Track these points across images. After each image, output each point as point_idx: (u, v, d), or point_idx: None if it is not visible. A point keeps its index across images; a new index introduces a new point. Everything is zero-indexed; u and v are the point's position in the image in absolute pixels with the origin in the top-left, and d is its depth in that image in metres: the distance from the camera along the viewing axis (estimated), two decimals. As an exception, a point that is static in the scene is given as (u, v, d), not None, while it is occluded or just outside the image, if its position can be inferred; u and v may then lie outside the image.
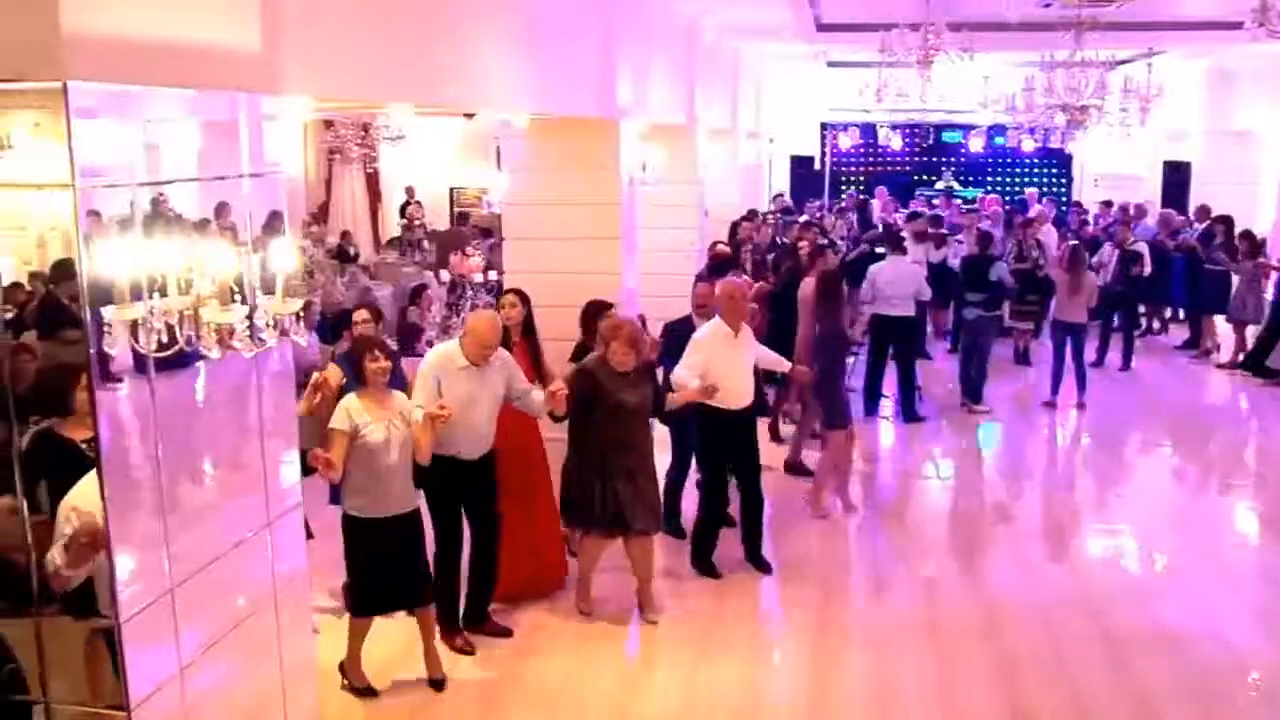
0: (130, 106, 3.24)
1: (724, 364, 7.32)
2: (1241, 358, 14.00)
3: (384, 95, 5.44)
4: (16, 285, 4.41)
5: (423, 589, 6.00)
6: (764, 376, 8.71)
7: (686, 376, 7.19)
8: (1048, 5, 11.43)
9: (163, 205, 3.47)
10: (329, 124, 16.12)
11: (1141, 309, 15.69)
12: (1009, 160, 23.45)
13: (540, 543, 7.20)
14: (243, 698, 4.01)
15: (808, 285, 9.62)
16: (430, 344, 8.62)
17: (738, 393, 7.42)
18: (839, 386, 8.76)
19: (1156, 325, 16.42)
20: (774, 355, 8.14)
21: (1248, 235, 14.20)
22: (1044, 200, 18.65)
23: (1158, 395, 13.19)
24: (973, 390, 12.15)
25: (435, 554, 6.38)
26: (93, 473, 3.29)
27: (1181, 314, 16.17)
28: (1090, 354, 12.96)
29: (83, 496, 3.39)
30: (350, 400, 5.62)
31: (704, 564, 7.66)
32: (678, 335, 7.97)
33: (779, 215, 17.37)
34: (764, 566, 7.75)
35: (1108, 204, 18.37)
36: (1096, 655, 6.58)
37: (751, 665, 6.51)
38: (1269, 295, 13.82)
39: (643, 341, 6.81)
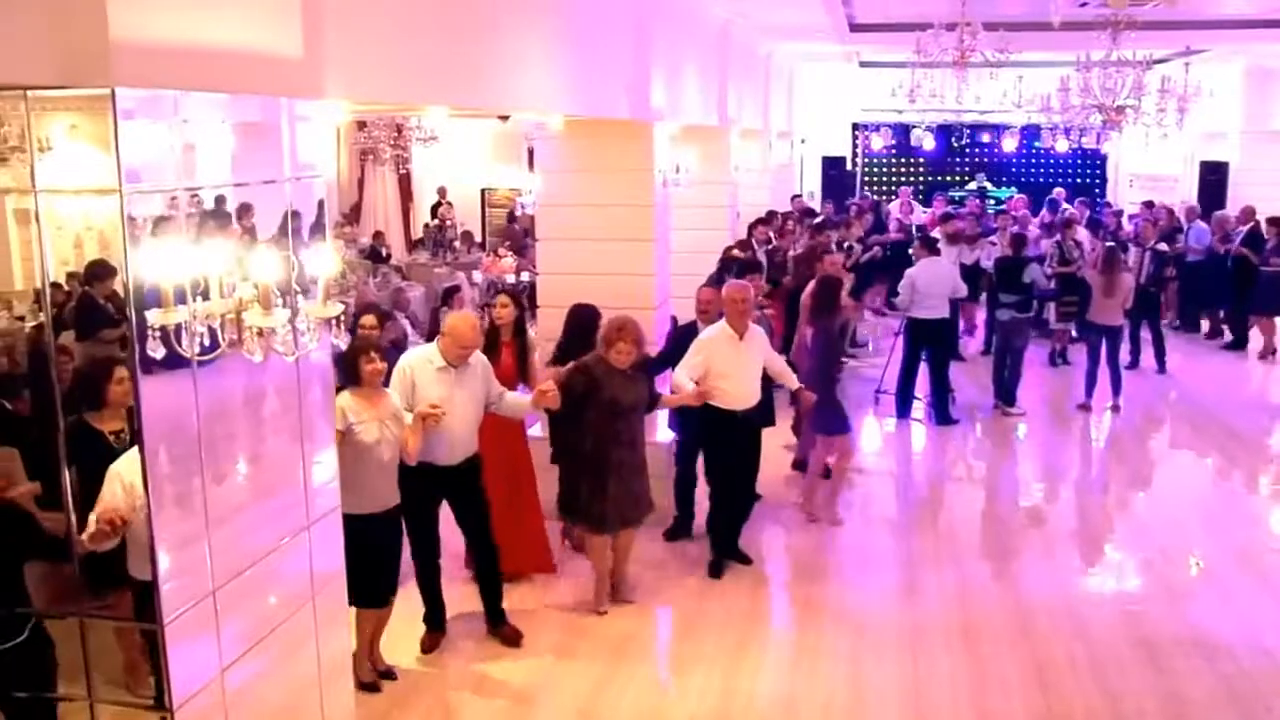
0: (174, 111, 3.27)
1: (727, 366, 7.35)
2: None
3: (422, 98, 5.46)
4: (55, 285, 4.47)
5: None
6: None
7: (684, 378, 7.28)
8: (1084, 4, 11.36)
9: (205, 208, 3.50)
10: (361, 125, 16.21)
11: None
12: (1043, 161, 23.29)
13: (523, 539, 7.33)
14: (280, 696, 4.04)
15: (809, 289, 9.55)
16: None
17: (742, 395, 7.44)
18: (834, 393, 8.58)
19: (1207, 327, 16.25)
20: (784, 367, 8.09)
21: None
22: (1076, 202, 18.46)
23: (1193, 396, 13.06)
24: (1006, 392, 12.09)
25: (413, 560, 6.49)
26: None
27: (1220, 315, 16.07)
28: (1124, 356, 12.86)
29: (129, 467, 3.46)
30: (344, 398, 5.64)
31: (717, 561, 7.71)
32: (683, 337, 7.97)
33: (800, 216, 17.14)
34: (742, 557, 7.81)
35: (1148, 204, 18.11)
36: (1132, 660, 6.53)
37: (785, 668, 6.50)
38: None
39: (644, 339, 6.93)
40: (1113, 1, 7.10)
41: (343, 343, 3.72)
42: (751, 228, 13.13)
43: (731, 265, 10.04)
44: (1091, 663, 6.51)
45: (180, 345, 3.23)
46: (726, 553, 7.74)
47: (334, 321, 3.51)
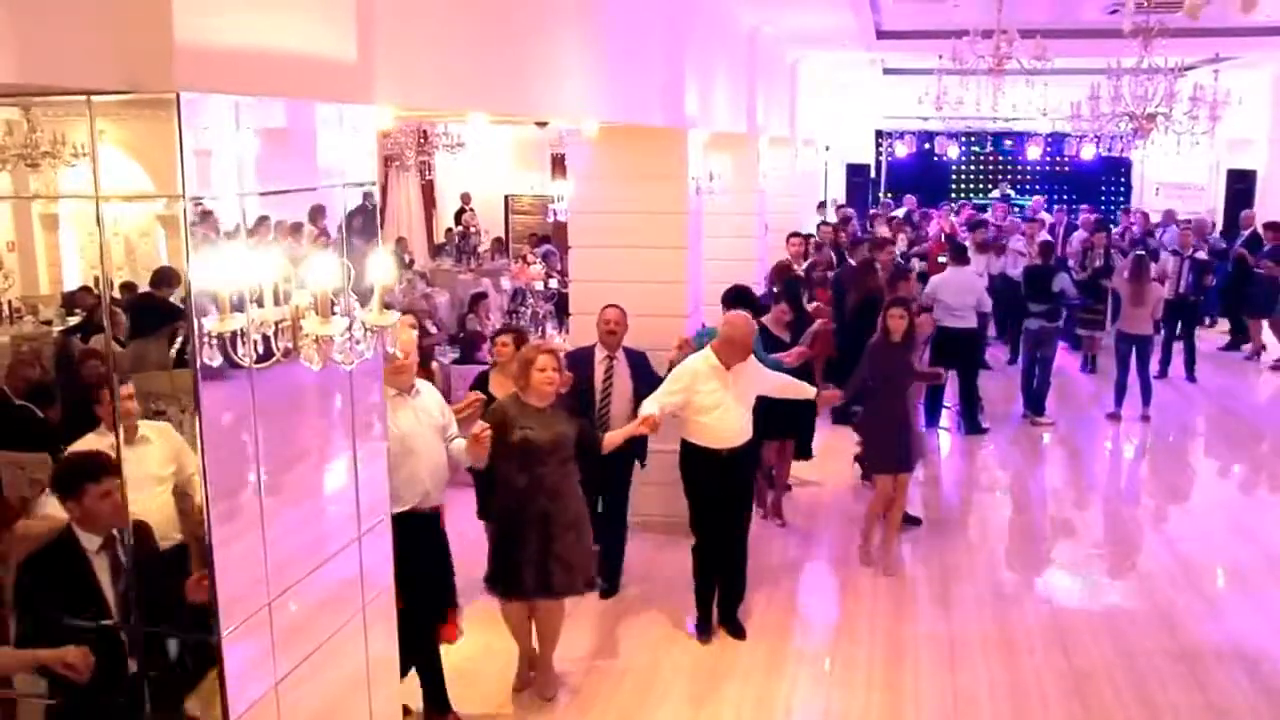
0: (234, 115, 3.26)
1: (709, 400, 6.60)
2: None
3: (466, 104, 5.46)
4: (86, 289, 4.46)
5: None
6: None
7: (653, 408, 6.41)
8: (1114, 12, 11.31)
9: (260, 215, 3.48)
10: (386, 132, 16.22)
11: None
12: (1068, 169, 23.23)
13: None
14: (330, 700, 4.02)
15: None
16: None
17: (724, 432, 6.66)
18: (891, 427, 7.94)
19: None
20: (790, 381, 7.21)
21: None
22: (1082, 210, 18.72)
23: (1223, 405, 12.99)
24: (1035, 402, 12.02)
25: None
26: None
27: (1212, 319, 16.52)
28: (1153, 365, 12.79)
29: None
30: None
31: (701, 620, 6.98)
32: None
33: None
34: (737, 631, 6.96)
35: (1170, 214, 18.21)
36: (1171, 672, 6.48)
37: (823, 679, 6.46)
38: None
39: (565, 373, 6.06)
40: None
41: (398, 351, 3.69)
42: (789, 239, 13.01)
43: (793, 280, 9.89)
44: (1130, 674, 6.46)
45: (237, 353, 3.20)
46: (722, 620, 7.02)
47: (390, 330, 3.49)
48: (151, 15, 2.91)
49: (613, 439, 6.30)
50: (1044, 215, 18.29)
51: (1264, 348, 15.23)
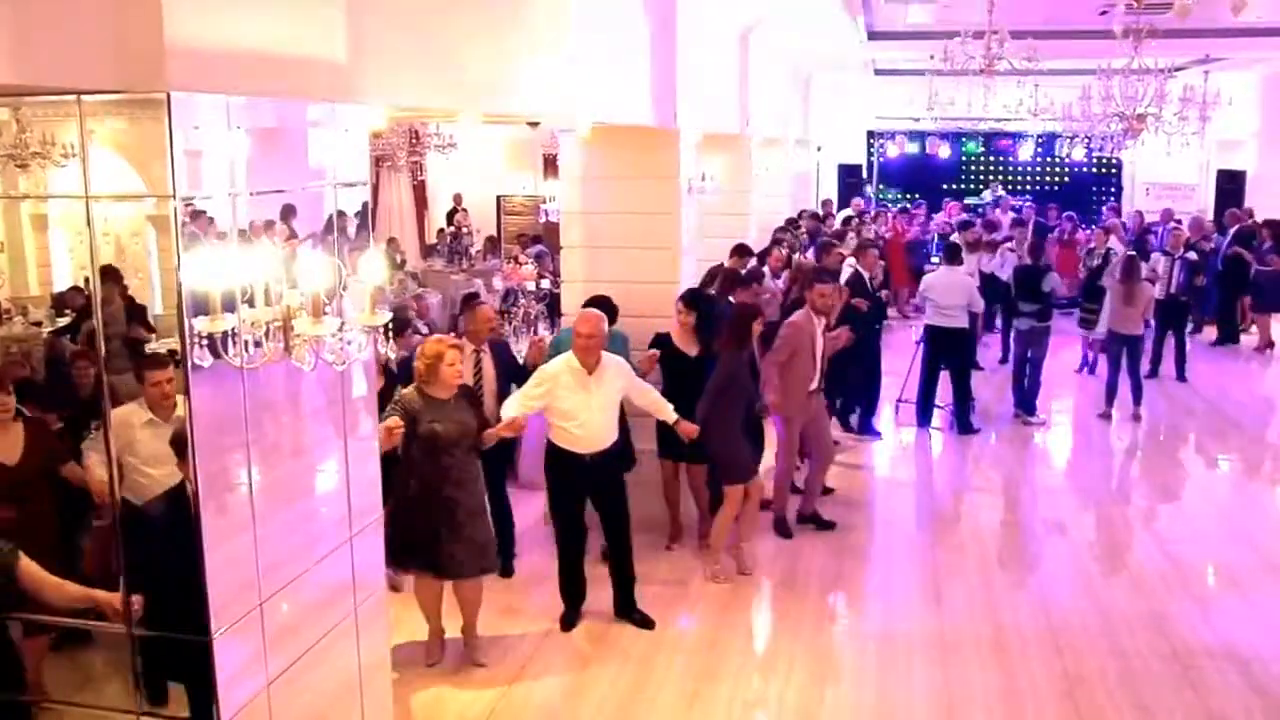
0: (225, 115, 3.25)
1: (569, 404, 6.58)
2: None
3: (454, 104, 5.45)
4: (76, 290, 4.44)
5: None
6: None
7: (513, 409, 6.47)
8: (1104, 13, 11.33)
9: (253, 214, 3.47)
10: (377, 133, 16.19)
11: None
12: (1059, 169, 23.30)
13: None
14: (322, 702, 4.01)
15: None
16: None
17: (586, 436, 6.62)
18: (737, 436, 7.59)
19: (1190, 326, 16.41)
20: (655, 399, 7.10)
21: None
22: (1064, 216, 18.91)
23: (1213, 403, 13.01)
24: (1026, 401, 12.04)
25: None
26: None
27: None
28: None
29: None
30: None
31: (568, 606, 7.00)
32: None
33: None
34: (642, 620, 6.97)
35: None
36: (1164, 672, 6.47)
37: (814, 680, 6.45)
38: None
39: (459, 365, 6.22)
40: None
41: (391, 351, 3.68)
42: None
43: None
44: (1123, 674, 6.45)
45: (228, 353, 3.19)
46: (622, 613, 7.02)
47: (384, 330, 3.48)
48: (142, 16, 2.90)
49: (487, 436, 6.30)
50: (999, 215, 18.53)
51: (1272, 344, 15.43)
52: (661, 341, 7.98)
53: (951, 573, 7.96)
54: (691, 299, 8.12)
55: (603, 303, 7.55)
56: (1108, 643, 6.85)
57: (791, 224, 15.26)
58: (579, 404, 6.57)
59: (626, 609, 7.03)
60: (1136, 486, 10.46)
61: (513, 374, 7.50)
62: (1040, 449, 11.37)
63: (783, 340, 8.33)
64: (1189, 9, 7.04)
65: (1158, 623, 7.14)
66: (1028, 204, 21.25)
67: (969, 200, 21.81)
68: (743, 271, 9.89)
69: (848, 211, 19.19)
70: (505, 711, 6.04)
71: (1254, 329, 15.98)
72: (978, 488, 10.18)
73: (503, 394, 7.16)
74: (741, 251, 10.71)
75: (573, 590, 7.00)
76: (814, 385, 8.45)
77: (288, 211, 3.77)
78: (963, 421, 11.53)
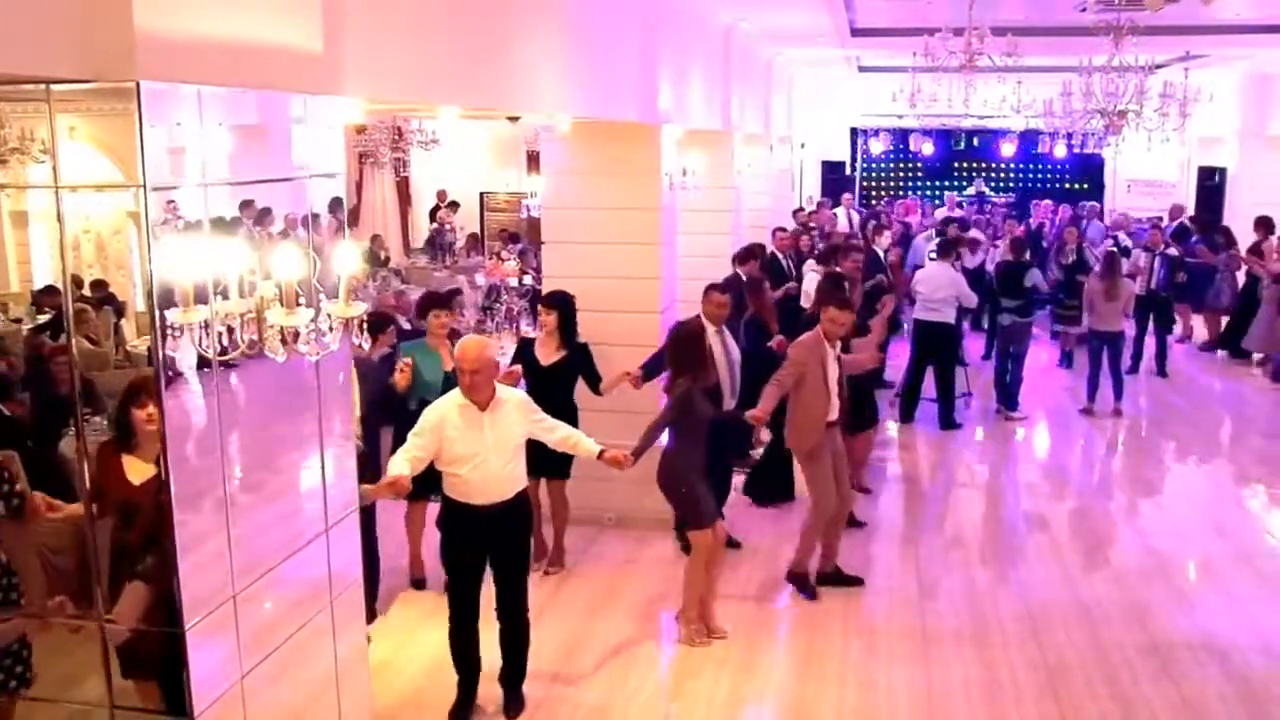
0: (196, 106, 3.23)
1: (461, 448, 5.49)
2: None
3: (436, 98, 5.41)
4: (52, 289, 4.41)
5: None
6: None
7: (400, 465, 5.37)
8: (1083, 10, 11.35)
9: (225, 205, 3.45)
10: (360, 129, 16.15)
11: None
12: (1041, 166, 23.39)
13: None
14: (298, 698, 3.99)
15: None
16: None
17: (482, 486, 5.54)
18: (700, 477, 6.68)
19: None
20: (571, 432, 6.05)
21: (1224, 231, 15.65)
22: (1040, 207, 19.03)
23: (1194, 401, 13.08)
24: (1008, 397, 12.09)
25: None
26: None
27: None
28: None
29: None
30: None
31: (460, 705, 5.86)
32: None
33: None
34: (516, 703, 5.94)
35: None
36: (1143, 666, 6.50)
37: (795, 674, 6.46)
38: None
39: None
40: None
41: (365, 343, 3.66)
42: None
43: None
44: (1102, 667, 6.48)
45: (201, 345, 3.17)
46: (507, 688, 5.99)
47: (357, 322, 3.46)
48: (111, 3, 2.88)
49: (369, 493, 5.20)
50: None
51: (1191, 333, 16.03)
52: (521, 349, 7.80)
53: (933, 566, 7.99)
54: (551, 299, 7.64)
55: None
56: (1087, 635, 6.89)
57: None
58: (471, 446, 5.49)
59: (513, 689, 5.99)
60: (1117, 481, 10.51)
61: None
62: (1022, 444, 11.41)
63: (790, 362, 7.33)
64: (1160, 4, 7.05)
65: (1137, 614, 7.18)
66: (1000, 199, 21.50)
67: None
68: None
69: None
70: None
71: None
72: (960, 483, 10.22)
73: None
74: (748, 255, 10.64)
75: (465, 663, 5.90)
76: (832, 416, 7.39)
77: (263, 213, 3.75)
78: (945, 417, 11.56)
